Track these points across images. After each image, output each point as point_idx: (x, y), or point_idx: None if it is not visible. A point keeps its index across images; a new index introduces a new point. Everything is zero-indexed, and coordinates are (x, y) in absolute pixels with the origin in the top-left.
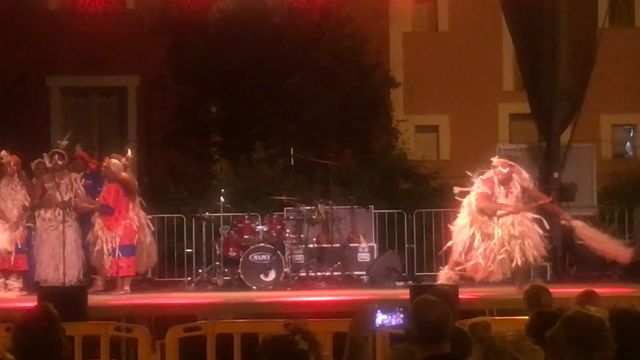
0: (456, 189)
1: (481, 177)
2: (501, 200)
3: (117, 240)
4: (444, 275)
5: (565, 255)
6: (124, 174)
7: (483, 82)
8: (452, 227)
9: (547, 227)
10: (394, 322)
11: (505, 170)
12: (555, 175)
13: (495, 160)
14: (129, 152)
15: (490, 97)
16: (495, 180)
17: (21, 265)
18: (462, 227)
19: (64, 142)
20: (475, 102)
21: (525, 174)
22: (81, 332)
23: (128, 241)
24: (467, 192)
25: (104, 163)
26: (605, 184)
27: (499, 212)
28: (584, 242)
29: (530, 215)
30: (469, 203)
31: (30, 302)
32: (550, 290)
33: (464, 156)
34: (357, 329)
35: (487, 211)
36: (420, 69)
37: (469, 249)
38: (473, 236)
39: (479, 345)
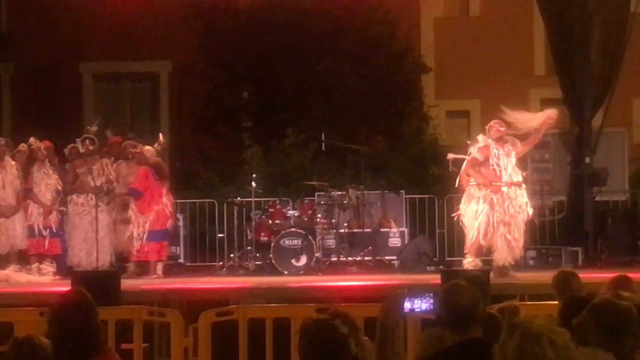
0: (450, 156)
1: (477, 144)
2: (502, 160)
3: (148, 225)
4: (469, 264)
5: (597, 240)
6: (156, 159)
7: (514, 67)
8: (459, 214)
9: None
10: (423, 307)
11: (502, 129)
12: (587, 160)
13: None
14: (161, 137)
15: (521, 82)
16: (491, 144)
17: (55, 249)
18: (466, 210)
19: (94, 127)
20: (506, 87)
21: (514, 138)
22: (114, 317)
23: (160, 226)
24: (462, 159)
25: (137, 149)
26: (637, 169)
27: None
28: (516, 127)
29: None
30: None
31: (64, 287)
32: (582, 275)
33: None
34: (386, 314)
35: (477, 180)
36: (451, 54)
37: (486, 231)
38: (486, 215)
39: (508, 330)
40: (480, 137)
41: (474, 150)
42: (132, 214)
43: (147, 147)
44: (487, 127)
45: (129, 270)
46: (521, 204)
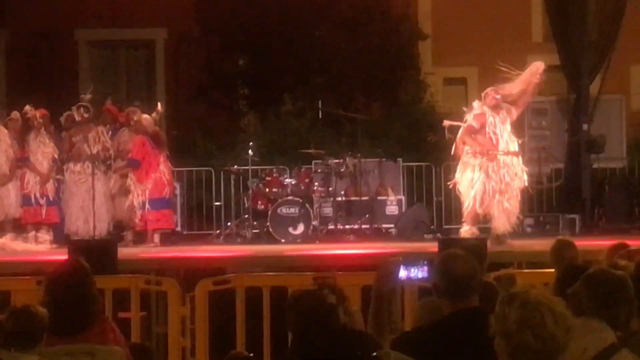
0: (446, 122)
1: (473, 112)
2: (498, 128)
3: (147, 193)
4: (466, 232)
5: (595, 208)
6: (154, 128)
7: (512, 34)
8: (454, 182)
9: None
10: (418, 275)
11: (498, 96)
12: (584, 127)
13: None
14: (159, 107)
15: (519, 49)
16: (487, 111)
17: (52, 218)
18: (462, 178)
19: (88, 96)
20: (504, 54)
21: (514, 110)
22: (111, 285)
23: (158, 194)
24: (458, 127)
25: (134, 117)
26: (635, 136)
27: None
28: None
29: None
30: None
31: (61, 255)
32: (579, 242)
33: None
34: (381, 282)
35: (473, 148)
36: (449, 20)
37: (482, 200)
38: (482, 184)
39: (505, 300)
40: (476, 103)
41: (470, 118)
42: (131, 183)
43: (145, 116)
44: (482, 95)
45: (127, 239)
46: (517, 172)
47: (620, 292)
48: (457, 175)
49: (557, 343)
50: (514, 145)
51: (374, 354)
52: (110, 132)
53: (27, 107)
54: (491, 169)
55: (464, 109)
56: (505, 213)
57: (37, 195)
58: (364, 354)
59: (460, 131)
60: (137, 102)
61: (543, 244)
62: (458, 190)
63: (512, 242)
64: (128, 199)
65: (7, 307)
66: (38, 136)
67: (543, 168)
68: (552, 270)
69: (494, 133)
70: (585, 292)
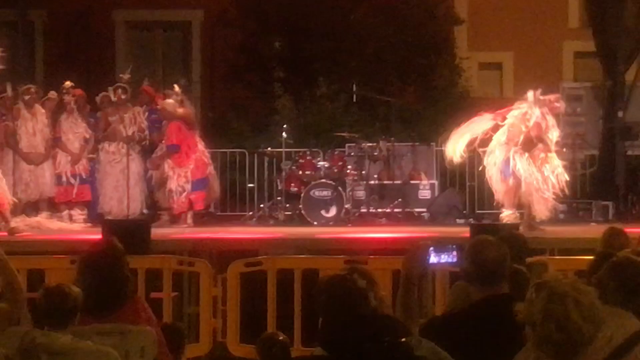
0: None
1: (536, 119)
2: (550, 130)
3: (190, 175)
4: (508, 217)
5: (628, 194)
6: (180, 110)
7: (548, 19)
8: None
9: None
10: (448, 260)
11: (559, 105)
12: (619, 114)
13: (530, 95)
14: (176, 88)
15: (555, 35)
16: (543, 117)
17: (84, 196)
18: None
19: (126, 76)
20: (540, 39)
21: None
22: (144, 266)
23: (200, 174)
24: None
25: (158, 106)
26: None
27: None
28: None
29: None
30: (498, 137)
31: (95, 235)
32: None
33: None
34: (410, 266)
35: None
36: (485, 5)
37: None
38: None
39: (535, 288)
40: (531, 95)
41: (535, 115)
42: (169, 170)
43: (168, 101)
44: (539, 98)
45: (162, 219)
46: (556, 167)
47: None
48: (490, 160)
49: (583, 336)
50: (554, 163)
51: (403, 339)
52: (147, 113)
53: (67, 83)
54: (527, 157)
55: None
56: (544, 201)
57: (68, 174)
58: (393, 340)
59: (525, 123)
60: (183, 80)
61: (576, 231)
62: (490, 176)
63: (544, 228)
64: (167, 185)
65: (41, 285)
66: (70, 117)
67: (577, 154)
68: (585, 257)
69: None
70: (610, 280)
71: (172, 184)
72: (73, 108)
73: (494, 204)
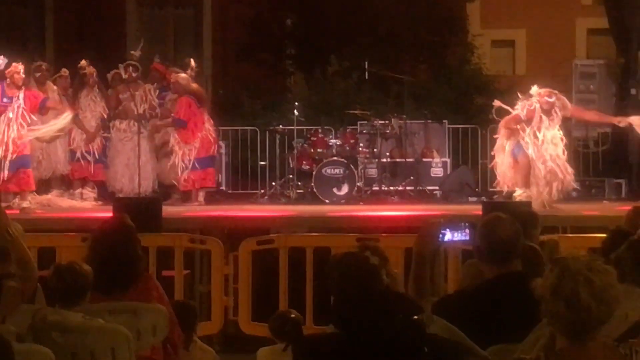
0: (496, 103)
1: (528, 105)
2: (542, 132)
3: (194, 152)
4: (521, 196)
5: None
6: (194, 85)
7: None
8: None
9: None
10: (460, 238)
11: (551, 100)
12: (633, 91)
13: (535, 89)
14: (192, 62)
15: (568, 12)
16: (538, 111)
17: (99, 175)
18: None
19: (137, 53)
20: (552, 17)
21: (565, 100)
22: (155, 243)
23: (205, 153)
24: (507, 111)
25: (171, 79)
26: None
27: None
28: None
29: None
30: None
31: (106, 213)
32: (625, 207)
33: (540, 71)
34: (422, 244)
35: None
36: None
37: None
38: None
39: (551, 265)
40: (534, 90)
41: (520, 108)
42: (175, 144)
43: (182, 75)
44: (538, 92)
45: (173, 197)
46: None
47: None
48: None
49: (592, 315)
50: (557, 149)
51: (415, 317)
52: (157, 91)
53: (83, 62)
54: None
55: (519, 95)
56: (556, 180)
57: (83, 151)
58: (406, 317)
59: (507, 117)
60: (157, 58)
61: (588, 208)
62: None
63: (557, 206)
64: (171, 159)
65: (52, 263)
66: (90, 94)
67: (590, 132)
68: (597, 235)
69: (535, 135)
70: (629, 258)
71: (177, 159)
72: (95, 83)
73: (496, 185)
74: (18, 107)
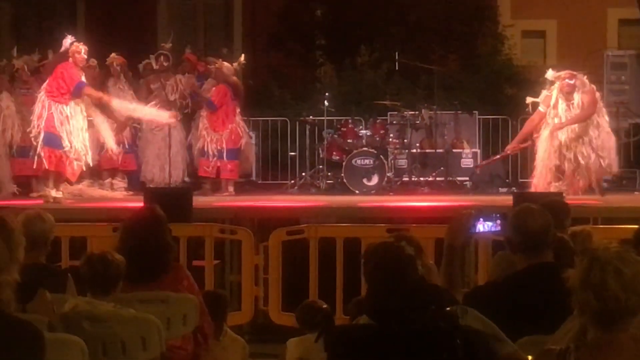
0: (528, 99)
1: (545, 92)
2: (561, 113)
3: (223, 142)
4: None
5: None
6: (234, 78)
7: None
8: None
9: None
10: (492, 229)
11: (572, 82)
12: None
13: (551, 73)
14: (242, 58)
15: (599, 2)
16: (555, 94)
17: (129, 165)
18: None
19: (168, 45)
20: (583, 7)
21: (585, 80)
22: (186, 233)
23: (233, 145)
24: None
25: (215, 65)
26: None
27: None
28: None
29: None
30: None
31: (136, 203)
32: None
33: (571, 62)
34: (454, 235)
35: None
36: None
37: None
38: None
39: (581, 256)
40: (549, 74)
41: (541, 102)
42: (204, 130)
43: (227, 64)
44: (554, 77)
45: (204, 187)
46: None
47: None
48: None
49: (622, 305)
50: (584, 141)
51: (448, 308)
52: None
53: (113, 55)
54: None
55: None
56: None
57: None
58: (439, 308)
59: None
60: (225, 50)
61: (619, 200)
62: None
63: (588, 197)
64: (199, 143)
65: (84, 252)
66: (117, 83)
67: (621, 123)
68: (629, 226)
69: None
70: None
71: (204, 145)
72: (119, 72)
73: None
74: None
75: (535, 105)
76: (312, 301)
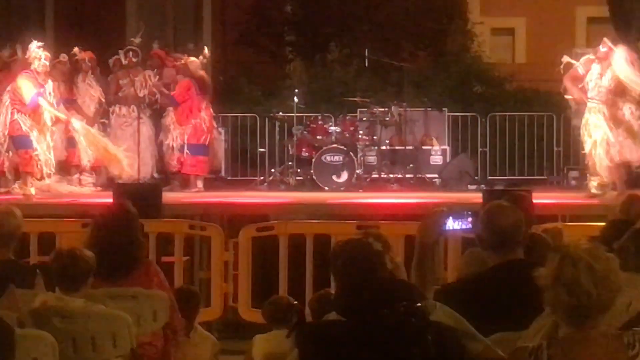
0: (565, 58)
1: (585, 57)
2: (593, 81)
3: (185, 137)
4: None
5: None
6: (201, 72)
7: None
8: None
9: None
10: (463, 226)
11: (603, 49)
12: None
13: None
14: (206, 50)
15: (568, 0)
16: (593, 59)
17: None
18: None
19: (137, 39)
20: (552, 5)
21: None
22: (156, 230)
23: (196, 140)
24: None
25: (181, 61)
26: None
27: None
28: None
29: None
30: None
31: (105, 198)
32: None
33: (540, 60)
34: (425, 233)
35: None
36: None
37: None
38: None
39: (553, 253)
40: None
41: (578, 62)
42: (170, 122)
43: (192, 59)
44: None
45: (173, 183)
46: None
47: None
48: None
49: (593, 301)
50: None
51: (418, 304)
52: (157, 77)
53: (76, 49)
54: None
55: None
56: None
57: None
58: (409, 304)
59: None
60: (191, 45)
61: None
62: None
63: (556, 194)
64: (167, 137)
65: (53, 249)
66: (86, 79)
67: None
68: (597, 224)
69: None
70: (632, 247)
71: (171, 140)
72: (89, 68)
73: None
74: None
75: (568, 65)
76: (279, 297)
